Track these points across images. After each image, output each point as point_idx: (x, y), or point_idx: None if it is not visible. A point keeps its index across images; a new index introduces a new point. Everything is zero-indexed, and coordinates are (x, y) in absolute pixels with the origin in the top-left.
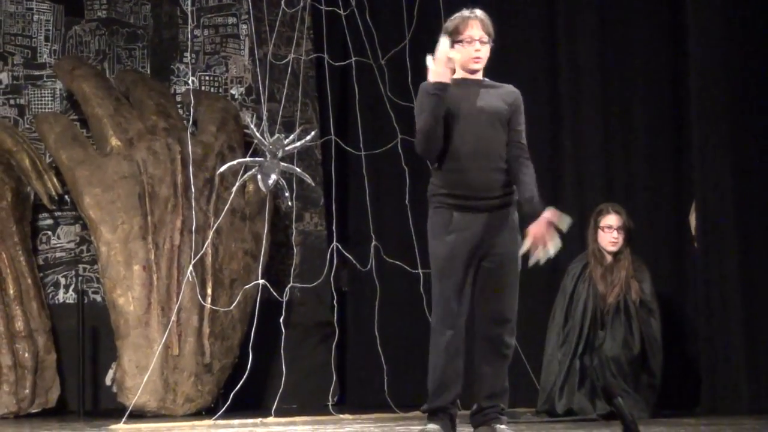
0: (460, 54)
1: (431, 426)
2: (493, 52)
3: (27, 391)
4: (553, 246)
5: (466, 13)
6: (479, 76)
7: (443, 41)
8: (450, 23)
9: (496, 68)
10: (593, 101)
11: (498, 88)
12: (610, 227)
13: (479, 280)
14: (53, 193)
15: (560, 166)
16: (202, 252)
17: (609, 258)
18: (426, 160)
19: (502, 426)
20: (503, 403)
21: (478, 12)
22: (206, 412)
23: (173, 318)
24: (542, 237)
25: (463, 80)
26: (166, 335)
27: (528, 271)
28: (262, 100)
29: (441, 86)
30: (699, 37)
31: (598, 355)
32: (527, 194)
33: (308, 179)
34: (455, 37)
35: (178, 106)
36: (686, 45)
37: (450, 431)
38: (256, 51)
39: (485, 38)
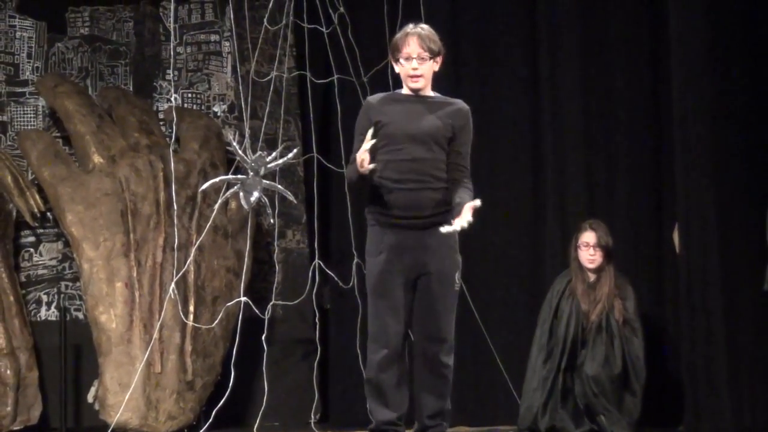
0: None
1: None
2: (473, 68)
3: (9, 408)
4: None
5: (408, 28)
6: (428, 92)
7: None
8: (394, 40)
9: (476, 85)
10: (575, 116)
11: (446, 105)
12: (587, 244)
13: (416, 299)
14: (35, 210)
15: (542, 183)
16: (184, 269)
17: (591, 276)
18: None
19: None
20: (446, 421)
21: (422, 27)
22: (188, 429)
23: (155, 335)
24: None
25: (407, 97)
26: (148, 352)
27: (510, 288)
28: (245, 118)
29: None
30: (682, 53)
31: (578, 374)
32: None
33: (290, 197)
34: (396, 55)
35: (161, 123)
36: (668, 61)
37: None
38: (238, 68)
39: (424, 54)
